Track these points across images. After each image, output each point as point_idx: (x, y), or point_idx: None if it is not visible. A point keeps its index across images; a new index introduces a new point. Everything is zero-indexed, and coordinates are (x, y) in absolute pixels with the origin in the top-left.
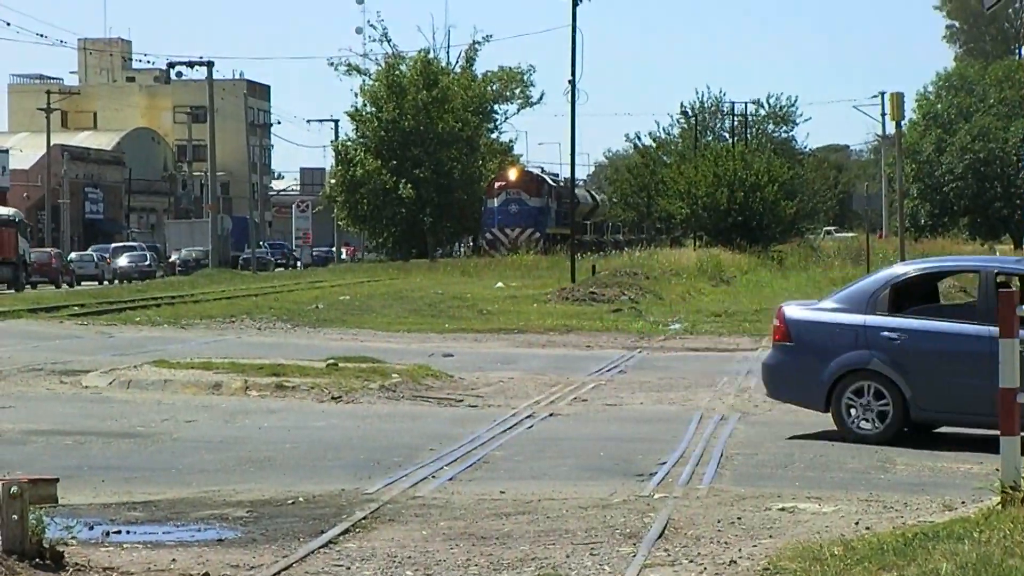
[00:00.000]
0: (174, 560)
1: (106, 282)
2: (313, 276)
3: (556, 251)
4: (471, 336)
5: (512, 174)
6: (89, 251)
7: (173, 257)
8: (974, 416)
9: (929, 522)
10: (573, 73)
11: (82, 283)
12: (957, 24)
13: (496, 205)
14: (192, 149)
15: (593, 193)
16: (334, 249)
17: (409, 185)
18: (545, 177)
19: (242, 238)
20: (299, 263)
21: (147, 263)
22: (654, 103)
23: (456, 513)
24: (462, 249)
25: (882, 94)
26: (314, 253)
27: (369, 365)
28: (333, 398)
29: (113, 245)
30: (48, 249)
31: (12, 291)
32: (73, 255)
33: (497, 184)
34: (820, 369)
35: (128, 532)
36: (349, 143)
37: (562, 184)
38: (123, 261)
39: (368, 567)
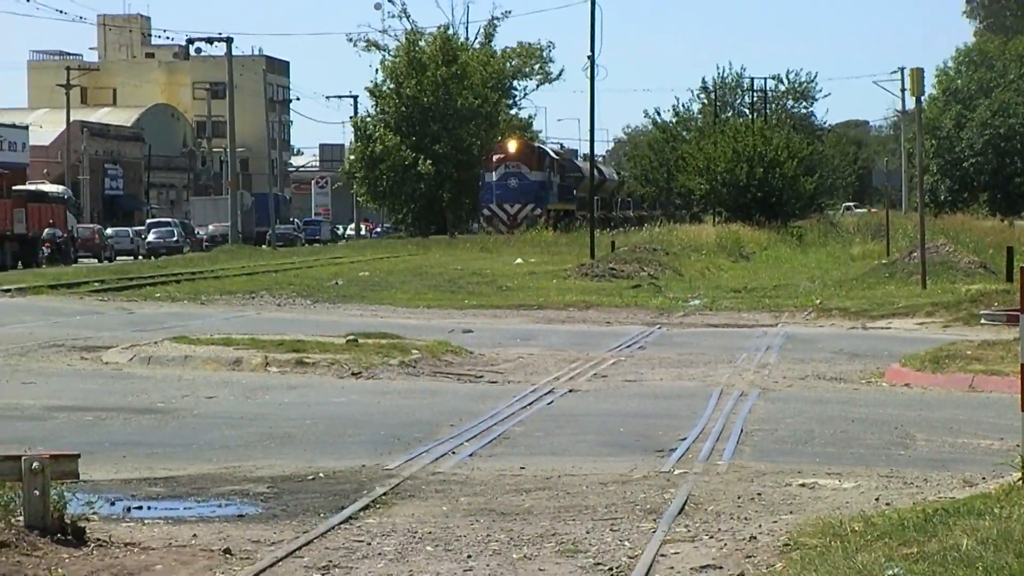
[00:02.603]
0: (195, 535)
1: (140, 256)
2: (332, 252)
3: (576, 227)
4: (491, 312)
5: (511, 146)
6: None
7: (200, 233)
8: None
9: (949, 498)
10: (592, 49)
11: (118, 258)
12: None
13: (494, 179)
14: (211, 125)
15: (600, 167)
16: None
17: (428, 161)
18: (547, 150)
19: (271, 214)
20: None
21: (175, 239)
22: (673, 79)
23: (476, 489)
24: (482, 225)
25: (902, 69)
26: (376, 230)
27: (389, 341)
28: (353, 374)
29: (148, 221)
30: (91, 225)
31: (63, 265)
32: (109, 231)
33: (495, 157)
34: None
35: (149, 508)
36: (368, 119)
37: (564, 157)
38: (152, 237)
39: (388, 543)
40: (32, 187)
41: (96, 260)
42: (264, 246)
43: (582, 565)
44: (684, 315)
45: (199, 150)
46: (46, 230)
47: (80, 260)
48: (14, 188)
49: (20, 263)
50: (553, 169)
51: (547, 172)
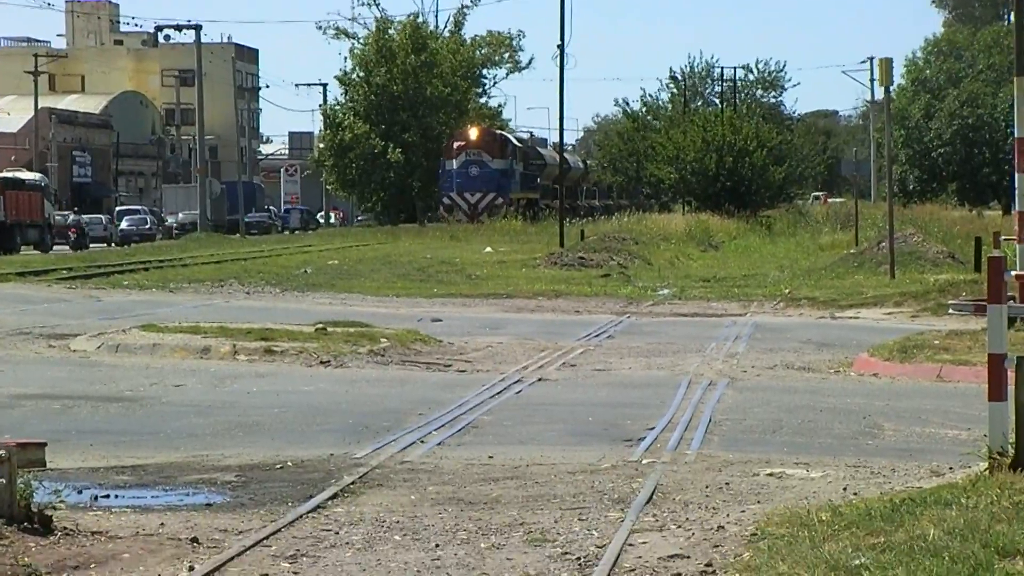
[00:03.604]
0: (163, 524)
1: (114, 244)
2: (302, 240)
3: (545, 216)
4: (460, 301)
5: (472, 133)
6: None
7: (169, 220)
8: None
9: (917, 488)
10: (562, 38)
11: (92, 245)
12: None
13: (455, 167)
14: (180, 113)
15: (565, 156)
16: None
17: (398, 149)
18: (509, 137)
19: (250, 203)
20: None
21: (147, 226)
22: (643, 68)
23: (444, 478)
24: (441, 215)
25: (871, 59)
26: (359, 218)
27: (358, 330)
28: (322, 362)
29: (118, 208)
30: (66, 212)
31: (39, 252)
32: (84, 218)
33: (456, 144)
34: None
35: (117, 496)
36: (338, 107)
37: (528, 144)
38: (124, 224)
39: (356, 531)
40: (10, 175)
41: (73, 248)
42: (249, 235)
43: (550, 554)
44: (653, 304)
45: (168, 138)
46: (71, 216)
47: (55, 247)
48: None
49: None
50: (516, 157)
51: (510, 160)
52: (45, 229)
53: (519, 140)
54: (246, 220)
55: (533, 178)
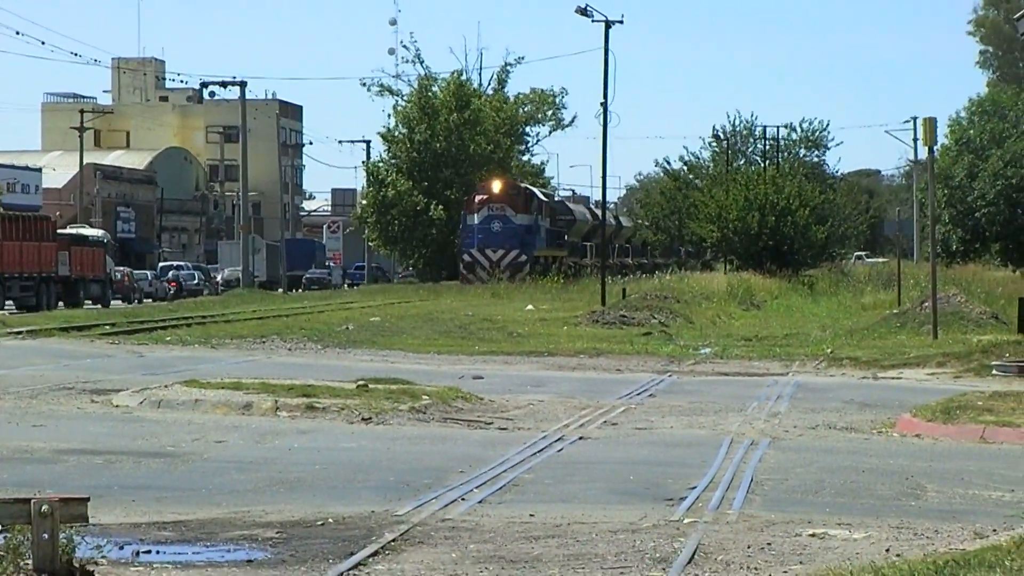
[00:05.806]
0: None
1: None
2: (343, 297)
3: (587, 274)
4: (501, 358)
5: (495, 186)
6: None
7: (218, 277)
8: None
9: (960, 550)
10: (605, 96)
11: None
12: (990, 49)
13: (476, 222)
14: (224, 169)
15: (594, 211)
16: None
17: (440, 207)
18: (534, 191)
19: (309, 259)
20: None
21: (195, 282)
22: (686, 126)
23: (485, 536)
24: (462, 272)
25: (914, 119)
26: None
27: (399, 387)
28: (363, 419)
29: (161, 264)
30: (121, 268)
31: (99, 306)
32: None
33: (478, 198)
34: None
35: (158, 552)
36: (381, 164)
37: (554, 199)
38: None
39: None
40: (73, 231)
41: (126, 302)
42: (299, 290)
43: None
44: (695, 363)
45: (211, 194)
46: (171, 272)
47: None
48: (58, 232)
49: (62, 303)
50: (541, 212)
51: (534, 215)
52: (107, 284)
53: (545, 194)
54: (307, 276)
55: (560, 235)
